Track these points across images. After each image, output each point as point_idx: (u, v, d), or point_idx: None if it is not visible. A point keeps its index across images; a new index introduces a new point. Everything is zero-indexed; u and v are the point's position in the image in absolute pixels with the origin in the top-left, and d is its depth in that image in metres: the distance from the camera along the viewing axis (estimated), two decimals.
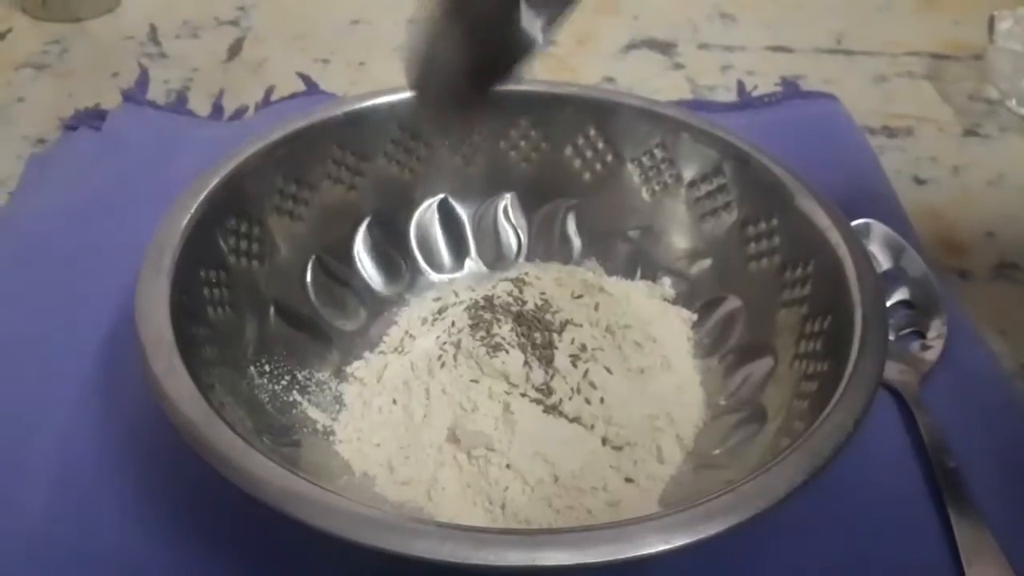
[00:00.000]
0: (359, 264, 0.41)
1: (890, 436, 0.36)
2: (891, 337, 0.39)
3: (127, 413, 0.36)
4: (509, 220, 0.43)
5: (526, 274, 0.40)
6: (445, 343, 0.36)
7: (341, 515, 0.25)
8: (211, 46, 0.62)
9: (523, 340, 0.35)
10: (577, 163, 0.43)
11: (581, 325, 0.37)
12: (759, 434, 0.33)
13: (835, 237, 0.34)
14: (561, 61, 0.61)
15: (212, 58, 0.60)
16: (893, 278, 0.42)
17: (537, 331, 0.36)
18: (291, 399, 0.35)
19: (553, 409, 0.34)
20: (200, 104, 0.55)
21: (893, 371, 0.38)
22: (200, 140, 0.51)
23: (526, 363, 0.35)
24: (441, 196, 0.43)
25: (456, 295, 0.40)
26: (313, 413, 0.35)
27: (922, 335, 0.40)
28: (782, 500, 0.26)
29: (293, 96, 0.55)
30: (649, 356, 0.37)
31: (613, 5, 0.67)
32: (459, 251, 0.43)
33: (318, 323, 0.38)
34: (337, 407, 0.36)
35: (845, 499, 0.33)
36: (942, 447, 0.35)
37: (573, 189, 0.43)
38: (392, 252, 0.42)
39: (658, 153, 0.41)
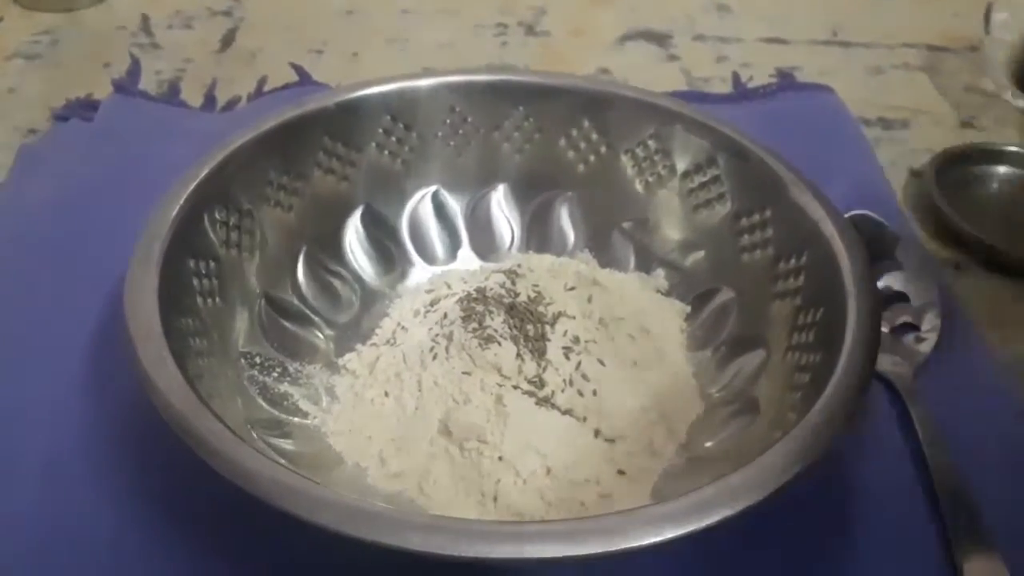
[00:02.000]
0: (351, 255, 0.41)
1: (884, 428, 0.36)
2: (885, 329, 0.39)
3: (116, 404, 0.36)
4: (502, 212, 0.43)
5: (519, 266, 0.40)
6: (437, 335, 0.36)
7: (331, 508, 0.25)
8: (204, 36, 0.61)
9: (516, 332, 0.35)
10: (571, 154, 0.42)
11: (574, 317, 0.37)
12: (752, 426, 0.33)
13: (828, 228, 0.34)
14: (556, 52, 0.61)
15: (204, 48, 0.60)
16: (887, 270, 0.42)
17: (530, 323, 0.36)
18: (282, 391, 0.35)
19: (545, 401, 0.34)
20: (192, 95, 0.55)
21: (887, 363, 0.38)
22: (192, 131, 0.50)
23: (518, 355, 0.35)
24: (434, 187, 0.43)
25: (448, 287, 0.40)
26: (304, 405, 0.35)
27: (916, 327, 0.40)
28: (774, 493, 0.25)
29: (286, 87, 0.55)
30: (642, 348, 0.37)
31: None
32: (452, 243, 0.43)
33: (309, 315, 0.38)
34: (329, 399, 0.36)
35: (838, 492, 0.33)
36: (936, 439, 0.35)
37: (567, 180, 0.43)
38: (384, 243, 0.42)
39: (651, 144, 0.41)
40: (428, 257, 0.42)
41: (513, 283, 0.38)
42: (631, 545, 0.24)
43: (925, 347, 0.39)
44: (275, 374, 0.35)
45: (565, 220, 0.43)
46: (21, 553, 0.31)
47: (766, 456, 0.26)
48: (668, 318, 0.39)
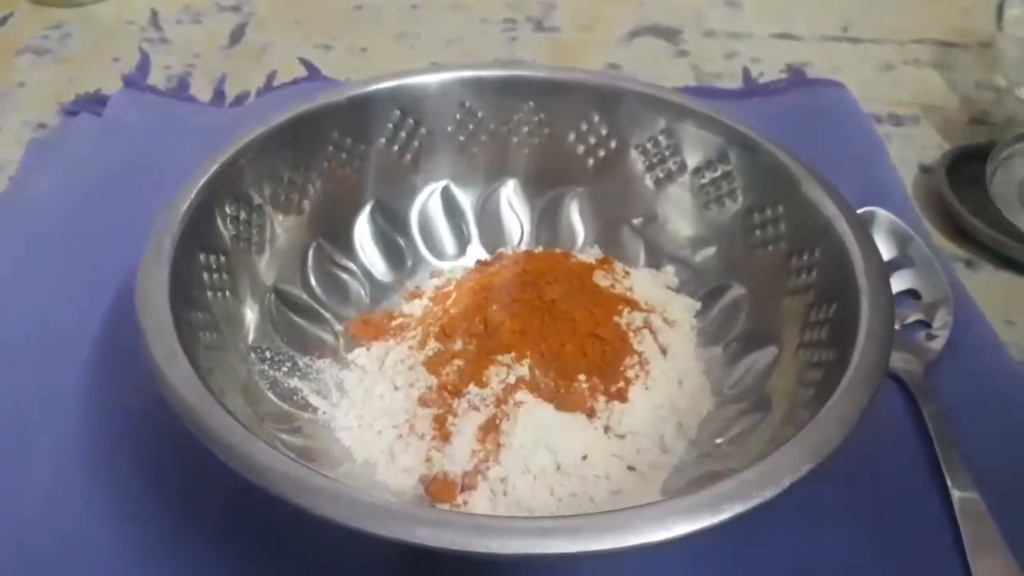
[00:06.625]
0: (360, 250, 0.41)
1: (895, 425, 0.36)
2: (896, 326, 0.39)
3: (126, 398, 0.36)
4: (511, 207, 0.43)
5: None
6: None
7: (343, 502, 0.25)
8: (213, 31, 0.61)
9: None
10: (580, 150, 0.42)
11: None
12: (763, 423, 0.33)
13: (841, 225, 0.34)
14: (565, 47, 0.61)
15: (214, 43, 0.60)
16: (898, 267, 0.41)
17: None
18: (292, 385, 0.35)
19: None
20: (201, 90, 0.55)
21: (898, 360, 0.37)
22: (201, 126, 0.51)
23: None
24: (443, 182, 0.43)
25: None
26: (314, 400, 0.35)
27: (927, 324, 0.40)
28: (786, 489, 0.25)
29: (295, 82, 0.55)
30: (652, 344, 0.37)
31: None
32: (461, 238, 0.43)
33: (319, 309, 0.38)
34: (338, 394, 0.36)
35: (849, 489, 0.33)
36: (947, 437, 0.34)
37: (576, 176, 0.42)
38: (394, 238, 0.42)
39: (662, 140, 0.41)
40: (437, 252, 0.42)
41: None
42: (644, 541, 0.24)
43: (936, 344, 0.38)
44: (285, 368, 0.35)
45: (575, 216, 0.43)
46: (31, 551, 0.31)
47: (778, 453, 0.26)
48: (678, 314, 0.39)
